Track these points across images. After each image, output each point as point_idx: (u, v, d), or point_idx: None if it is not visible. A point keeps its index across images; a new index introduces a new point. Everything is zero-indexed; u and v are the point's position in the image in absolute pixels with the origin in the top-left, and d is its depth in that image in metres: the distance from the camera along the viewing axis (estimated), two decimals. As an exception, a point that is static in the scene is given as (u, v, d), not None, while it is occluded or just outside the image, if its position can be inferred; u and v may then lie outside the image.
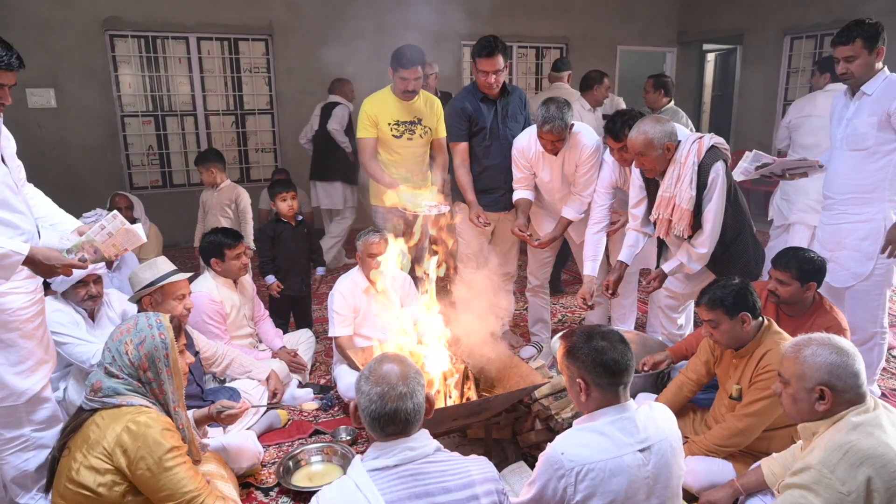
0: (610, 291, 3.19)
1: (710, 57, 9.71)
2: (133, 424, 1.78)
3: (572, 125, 3.21)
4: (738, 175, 3.08)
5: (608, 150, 3.29)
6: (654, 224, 3.00)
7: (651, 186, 3.03)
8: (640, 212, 3.13)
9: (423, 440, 1.50)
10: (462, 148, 3.50)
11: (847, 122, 2.89)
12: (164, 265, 2.79)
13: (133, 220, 4.30)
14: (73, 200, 5.17)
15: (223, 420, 2.31)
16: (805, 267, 2.56)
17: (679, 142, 2.82)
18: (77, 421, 1.87)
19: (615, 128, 3.11)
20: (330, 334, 3.36)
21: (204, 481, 1.90)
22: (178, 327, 2.03)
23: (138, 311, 2.69)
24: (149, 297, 2.71)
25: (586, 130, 3.33)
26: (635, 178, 3.11)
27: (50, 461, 1.91)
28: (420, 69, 3.43)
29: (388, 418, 1.45)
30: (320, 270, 4.14)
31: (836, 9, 6.85)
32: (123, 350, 1.89)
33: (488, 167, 3.52)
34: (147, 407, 1.86)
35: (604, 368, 1.65)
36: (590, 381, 1.67)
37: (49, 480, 1.89)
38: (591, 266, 3.36)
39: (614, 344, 1.68)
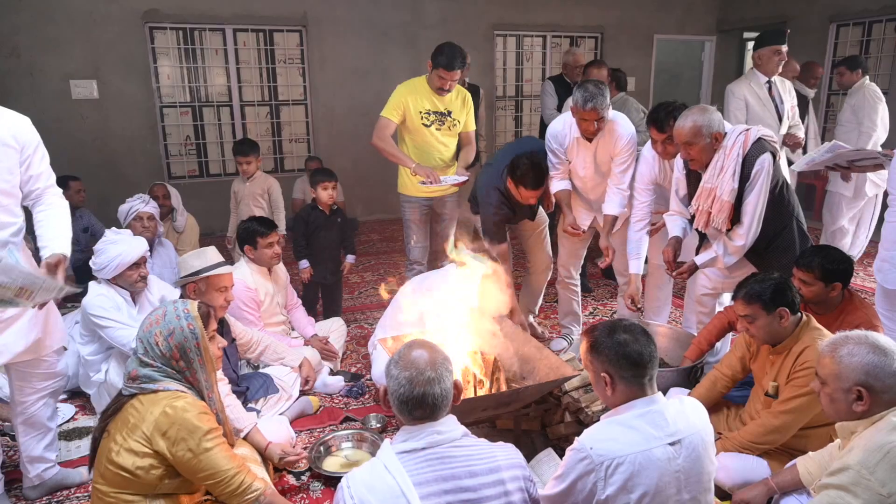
0: (672, 271, 3.08)
1: (751, 45, 9.43)
2: (170, 409, 1.83)
3: (609, 106, 3.17)
4: (801, 165, 2.97)
5: (647, 144, 3.23)
6: (693, 217, 2.94)
7: (692, 178, 2.96)
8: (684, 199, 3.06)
9: (450, 425, 1.51)
10: (504, 247, 3.56)
11: None
12: (213, 255, 2.84)
13: (170, 210, 4.41)
14: (115, 188, 5.32)
15: (287, 464, 2.45)
16: (828, 266, 2.46)
17: (727, 132, 2.75)
18: (117, 405, 1.93)
19: (659, 118, 3.00)
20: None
21: (241, 460, 1.95)
22: (207, 314, 2.04)
23: (181, 297, 2.75)
24: (193, 285, 2.76)
25: (621, 119, 3.28)
26: (678, 170, 3.05)
27: (91, 442, 1.98)
28: (460, 72, 3.53)
29: (416, 402, 1.47)
30: (350, 258, 4.19)
31: (886, -6, 6.58)
32: (154, 342, 1.92)
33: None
34: (183, 392, 1.91)
35: (627, 361, 1.64)
36: (614, 374, 1.67)
37: (91, 460, 1.96)
38: (636, 264, 3.28)
39: (637, 336, 1.68)
